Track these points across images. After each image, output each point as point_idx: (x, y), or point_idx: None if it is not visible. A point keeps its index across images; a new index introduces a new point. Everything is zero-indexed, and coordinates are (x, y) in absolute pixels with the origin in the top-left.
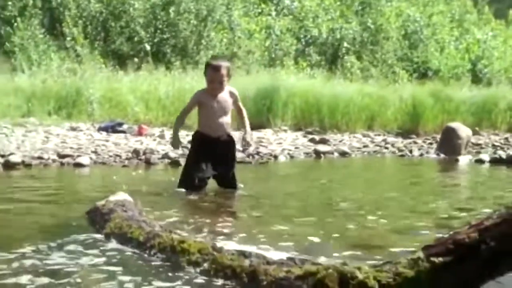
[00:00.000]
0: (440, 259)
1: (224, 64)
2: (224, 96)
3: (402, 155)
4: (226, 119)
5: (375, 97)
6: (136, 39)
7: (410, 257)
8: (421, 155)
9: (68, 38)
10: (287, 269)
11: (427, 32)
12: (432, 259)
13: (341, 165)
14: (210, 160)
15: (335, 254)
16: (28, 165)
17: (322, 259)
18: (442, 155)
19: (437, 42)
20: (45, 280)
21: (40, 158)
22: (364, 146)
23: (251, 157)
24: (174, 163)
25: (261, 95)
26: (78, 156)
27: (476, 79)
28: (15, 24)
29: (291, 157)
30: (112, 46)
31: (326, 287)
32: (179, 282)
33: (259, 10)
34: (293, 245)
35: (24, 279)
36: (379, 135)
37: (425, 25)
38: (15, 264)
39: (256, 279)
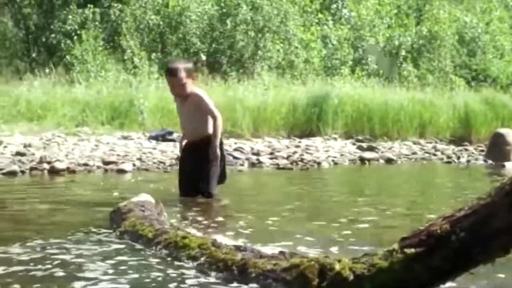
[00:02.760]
0: (412, 250)
1: (182, 66)
2: (190, 99)
3: (449, 162)
4: (193, 124)
5: (427, 104)
6: (192, 50)
7: (387, 248)
8: (468, 161)
9: (128, 51)
10: (275, 262)
11: (486, 39)
12: (405, 250)
13: (373, 170)
14: (184, 166)
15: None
16: (72, 171)
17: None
18: (489, 161)
19: (496, 49)
20: (55, 267)
21: (85, 165)
22: (413, 153)
23: (294, 163)
24: None
25: (312, 104)
26: (122, 163)
27: None
28: (75, 37)
29: (335, 163)
30: (168, 58)
31: (307, 278)
32: (171, 275)
33: (316, 20)
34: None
35: (40, 264)
36: (430, 142)
37: (483, 32)
38: (35, 254)
39: (245, 271)
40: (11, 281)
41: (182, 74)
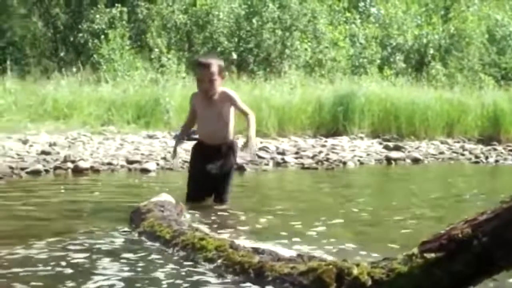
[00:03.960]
0: (432, 254)
1: (215, 61)
2: (218, 99)
3: (477, 162)
4: (221, 125)
5: (455, 103)
6: (219, 49)
7: (406, 253)
8: (497, 161)
9: (155, 50)
10: (293, 265)
11: None
12: (425, 254)
13: (399, 171)
14: (205, 170)
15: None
16: (96, 171)
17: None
18: None
19: None
20: (72, 266)
21: (109, 164)
22: (440, 153)
23: (319, 163)
24: (239, 168)
25: (338, 103)
26: (146, 162)
27: None
28: (102, 36)
29: (361, 163)
30: (196, 57)
31: (324, 282)
32: (187, 277)
33: (344, 19)
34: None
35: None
36: (458, 142)
37: None
38: (54, 252)
39: (262, 274)
40: (30, 280)
41: (215, 69)
